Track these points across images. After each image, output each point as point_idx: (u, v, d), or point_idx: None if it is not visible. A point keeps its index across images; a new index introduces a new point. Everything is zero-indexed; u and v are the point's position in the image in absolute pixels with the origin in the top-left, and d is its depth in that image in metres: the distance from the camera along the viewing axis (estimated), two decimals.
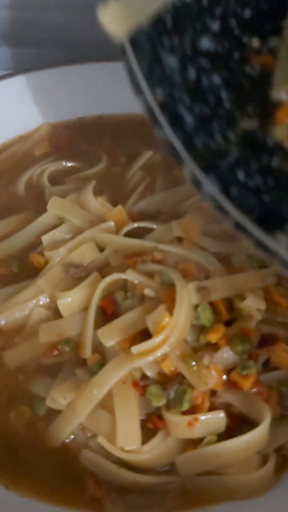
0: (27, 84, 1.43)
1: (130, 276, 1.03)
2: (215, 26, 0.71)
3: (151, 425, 0.93)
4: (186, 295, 0.97)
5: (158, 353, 0.92)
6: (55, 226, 1.19)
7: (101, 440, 0.90)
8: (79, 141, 1.43)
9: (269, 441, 0.91)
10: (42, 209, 1.22)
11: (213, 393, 0.94)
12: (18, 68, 1.42)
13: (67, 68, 1.44)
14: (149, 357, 0.92)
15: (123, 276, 1.03)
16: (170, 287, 0.99)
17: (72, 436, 0.93)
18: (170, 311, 0.95)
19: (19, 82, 1.42)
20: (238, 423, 0.93)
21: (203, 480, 0.89)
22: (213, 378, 0.92)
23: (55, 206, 1.20)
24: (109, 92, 1.47)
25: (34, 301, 1.07)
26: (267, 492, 0.87)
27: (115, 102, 1.48)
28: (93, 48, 1.47)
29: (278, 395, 0.96)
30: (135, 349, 0.93)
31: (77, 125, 1.47)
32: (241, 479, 0.88)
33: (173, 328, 0.93)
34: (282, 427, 0.94)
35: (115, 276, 1.04)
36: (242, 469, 0.89)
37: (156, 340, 0.92)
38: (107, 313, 1.03)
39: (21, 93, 1.43)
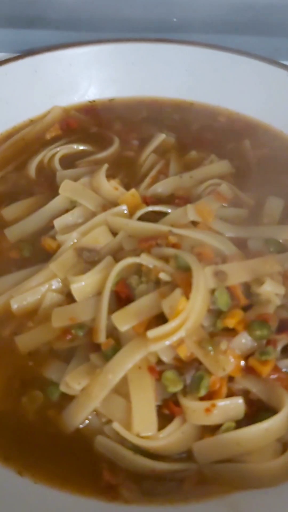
0: (37, 66, 1.41)
1: (145, 260, 1.00)
2: None
3: (167, 411, 0.90)
4: (203, 279, 0.94)
5: (174, 338, 0.89)
6: (67, 210, 1.17)
7: (116, 426, 0.88)
8: (91, 124, 1.41)
9: None
10: (53, 193, 1.20)
11: (230, 379, 0.92)
12: (27, 50, 1.39)
13: (78, 49, 1.42)
14: (165, 341, 0.89)
15: (137, 260, 1.01)
16: (186, 271, 0.96)
17: (86, 422, 0.92)
18: (187, 295, 0.92)
19: (28, 65, 1.39)
20: (257, 410, 0.90)
21: (220, 468, 0.87)
22: (231, 363, 0.90)
23: (67, 190, 1.17)
24: (121, 74, 1.46)
25: (47, 286, 1.06)
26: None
27: (127, 85, 1.46)
28: (102, 29, 1.45)
29: None
30: (151, 333, 0.90)
31: (89, 108, 1.45)
32: (260, 467, 0.86)
33: (189, 313, 0.90)
34: None
35: (129, 260, 1.01)
36: (261, 457, 0.86)
37: (172, 324, 0.90)
38: (121, 297, 1.01)
39: (31, 76, 1.40)
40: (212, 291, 0.95)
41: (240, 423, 0.88)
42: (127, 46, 1.43)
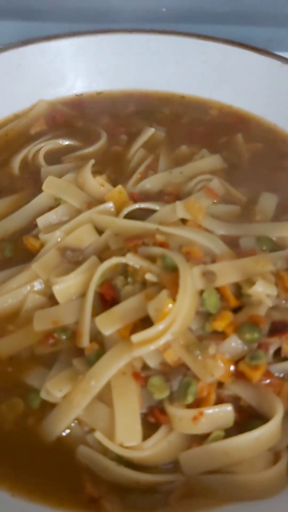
0: (21, 59, 1.36)
1: (131, 260, 0.96)
2: None
3: (153, 419, 0.86)
4: (191, 280, 0.90)
5: (160, 342, 0.85)
6: (51, 208, 1.13)
7: (98, 435, 0.83)
8: (78, 118, 1.37)
9: (282, 437, 0.84)
10: (37, 190, 1.15)
11: (220, 385, 0.87)
12: (10, 43, 1.34)
13: (63, 41, 1.37)
14: (150, 346, 0.85)
15: (123, 260, 0.96)
16: (173, 271, 0.92)
17: (68, 431, 0.87)
18: (173, 297, 0.88)
19: (12, 58, 1.35)
20: (247, 418, 0.86)
21: (209, 479, 0.82)
22: (220, 368, 0.85)
23: (50, 186, 1.13)
24: (109, 67, 1.41)
25: (29, 287, 1.01)
26: (279, 493, 0.80)
27: (116, 78, 1.41)
28: (89, 20, 1.40)
29: None
30: (135, 337, 0.86)
31: (76, 102, 1.41)
32: (251, 479, 0.81)
33: (176, 315, 0.86)
34: None
35: (114, 260, 0.97)
36: (252, 467, 0.82)
37: (157, 328, 0.85)
38: (106, 299, 0.96)
39: (15, 69, 1.36)
40: (201, 292, 0.91)
41: (230, 432, 0.84)
42: (115, 37, 1.38)
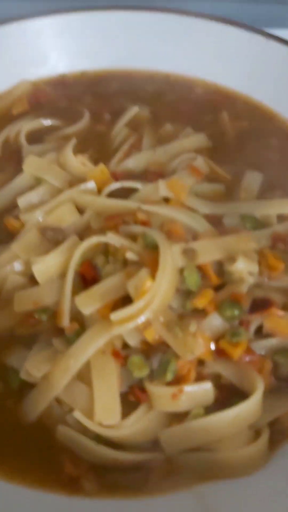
0: (3, 38, 1.32)
1: (111, 239, 0.94)
2: None
3: (133, 398, 0.85)
4: (171, 257, 0.88)
5: (139, 320, 0.84)
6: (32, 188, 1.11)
7: (77, 414, 0.82)
8: (61, 98, 1.34)
9: (262, 414, 0.83)
10: (19, 170, 1.13)
11: (201, 363, 0.86)
12: None
13: (47, 19, 1.34)
14: (129, 324, 0.84)
15: (103, 239, 0.95)
16: (154, 250, 0.90)
17: (48, 411, 0.86)
18: (153, 275, 0.86)
19: None
20: (229, 395, 0.85)
21: (189, 457, 0.82)
22: (200, 346, 0.84)
23: (31, 166, 1.11)
24: (93, 45, 1.38)
25: (9, 268, 0.99)
26: (260, 470, 0.80)
27: (99, 56, 1.39)
28: None
29: (272, 364, 0.88)
30: (115, 315, 0.85)
31: (59, 82, 1.38)
32: (231, 456, 0.80)
33: (155, 293, 0.85)
34: (276, 399, 0.86)
35: (94, 239, 0.95)
36: (232, 444, 0.81)
37: (136, 305, 0.84)
38: (87, 279, 0.95)
39: None
40: (182, 271, 0.90)
41: (211, 409, 0.83)
42: (98, 15, 1.35)
